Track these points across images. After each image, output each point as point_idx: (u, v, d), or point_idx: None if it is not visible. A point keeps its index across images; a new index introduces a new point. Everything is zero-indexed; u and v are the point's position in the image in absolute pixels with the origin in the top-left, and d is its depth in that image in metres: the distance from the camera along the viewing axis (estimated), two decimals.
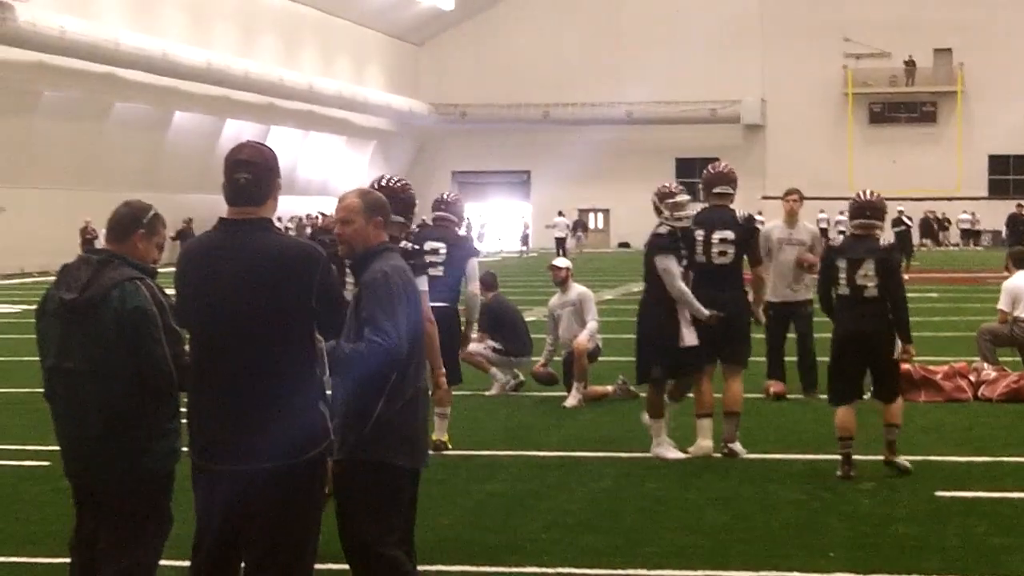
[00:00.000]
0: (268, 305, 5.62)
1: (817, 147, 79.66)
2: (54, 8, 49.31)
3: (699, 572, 8.34)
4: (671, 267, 11.66)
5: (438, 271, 12.22)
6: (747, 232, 12.37)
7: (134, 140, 54.67)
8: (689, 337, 11.69)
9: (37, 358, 6.50)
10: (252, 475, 5.66)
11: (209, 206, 55.19)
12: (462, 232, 14.19)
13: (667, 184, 12.40)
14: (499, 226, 78.63)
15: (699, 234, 12.20)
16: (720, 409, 12.18)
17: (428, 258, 12.44)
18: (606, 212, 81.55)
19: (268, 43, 68.14)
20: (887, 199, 11.79)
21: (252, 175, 5.71)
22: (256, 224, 5.71)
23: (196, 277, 5.75)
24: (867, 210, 11.31)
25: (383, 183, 9.52)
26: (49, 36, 48.23)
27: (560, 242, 63.26)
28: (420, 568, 6.65)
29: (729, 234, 12.19)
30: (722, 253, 12.18)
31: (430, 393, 7.52)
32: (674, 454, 11.91)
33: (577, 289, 16.04)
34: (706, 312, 11.69)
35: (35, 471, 11.73)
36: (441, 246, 12.54)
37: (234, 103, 63.03)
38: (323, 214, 27.62)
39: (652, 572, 8.35)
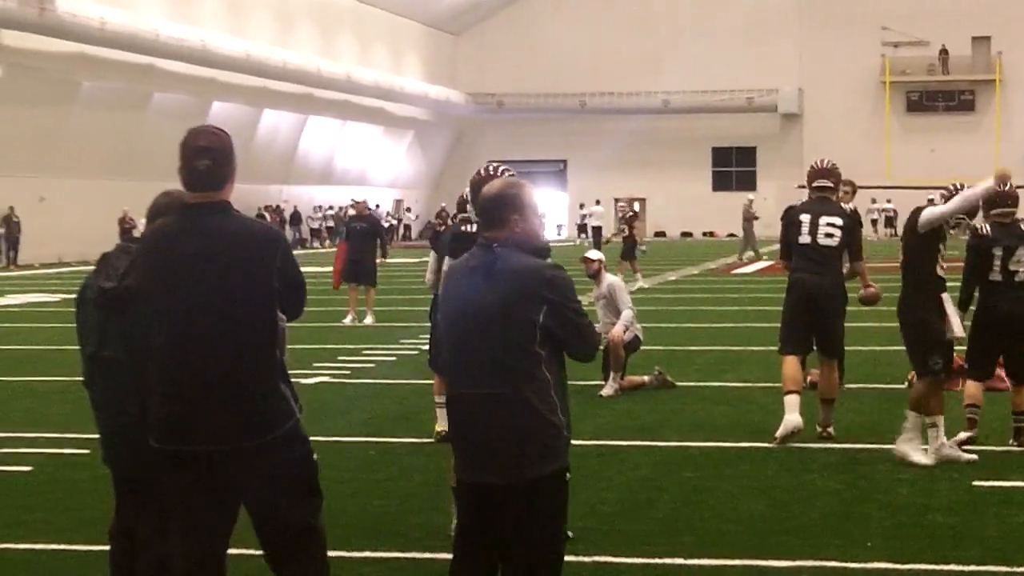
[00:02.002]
0: (230, 286, 5.64)
1: (854, 136, 79.29)
2: None
3: (736, 561, 8.34)
4: (933, 209, 11.61)
5: None
6: (855, 224, 12.62)
7: (172, 130, 54.49)
8: (956, 327, 11.40)
9: (76, 347, 6.55)
10: (218, 455, 5.67)
11: (244, 195, 55.47)
12: None
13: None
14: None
15: (805, 217, 12.40)
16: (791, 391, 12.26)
17: None
18: (642, 201, 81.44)
19: (305, 33, 68.27)
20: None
21: (212, 161, 5.73)
22: (215, 207, 5.73)
23: (157, 261, 5.77)
24: (1008, 199, 11.85)
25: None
26: (89, 27, 48.47)
27: (596, 231, 63.13)
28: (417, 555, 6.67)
29: (837, 220, 12.37)
30: (829, 235, 12.32)
31: None
32: (919, 457, 11.19)
33: (608, 280, 15.98)
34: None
35: (75, 459, 11.81)
36: None
37: (272, 93, 63.22)
38: (355, 201, 27.51)
39: (689, 561, 8.35)
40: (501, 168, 8.57)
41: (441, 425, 12.10)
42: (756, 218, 45.25)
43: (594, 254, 16.35)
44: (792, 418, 11.96)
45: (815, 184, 12.64)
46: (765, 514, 9.59)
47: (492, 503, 5.76)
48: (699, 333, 21.60)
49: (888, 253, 50.40)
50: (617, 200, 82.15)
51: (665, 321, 22.96)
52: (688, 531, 9.08)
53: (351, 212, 28.37)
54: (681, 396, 15.22)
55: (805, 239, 12.36)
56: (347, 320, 24.34)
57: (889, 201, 74.97)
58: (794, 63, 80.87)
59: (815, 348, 12.55)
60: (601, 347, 15.76)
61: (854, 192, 15.98)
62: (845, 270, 12.84)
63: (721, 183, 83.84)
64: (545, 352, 5.72)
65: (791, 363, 12.31)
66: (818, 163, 12.89)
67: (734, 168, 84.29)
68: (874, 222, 71.51)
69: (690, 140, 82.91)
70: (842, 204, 12.83)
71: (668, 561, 8.35)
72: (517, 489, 5.71)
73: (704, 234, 79.48)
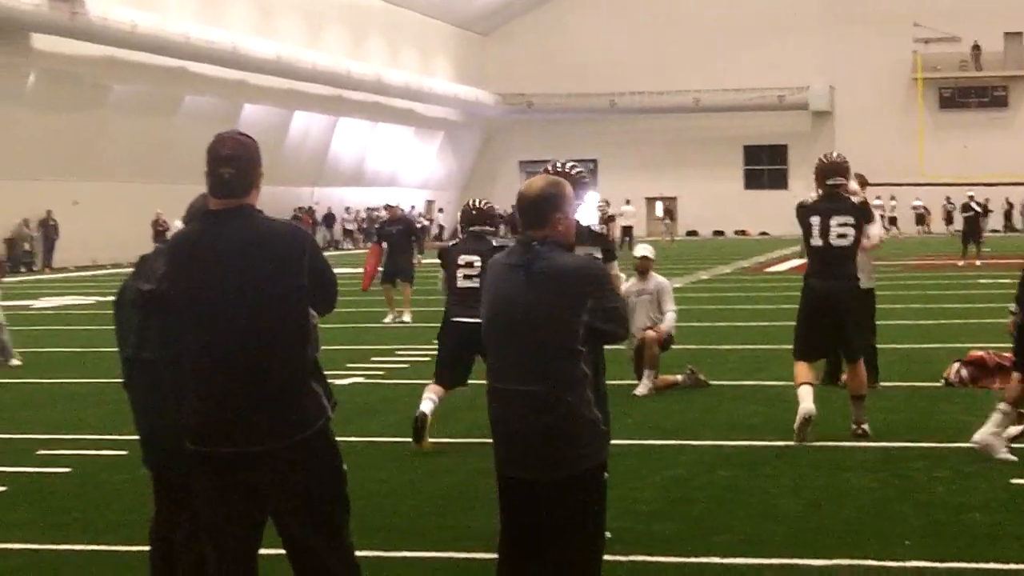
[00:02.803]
0: (255, 286, 5.64)
1: (886, 133, 79.13)
2: (124, 2, 49.80)
3: (772, 560, 8.32)
4: None
5: (474, 283, 12.18)
6: (866, 212, 12.46)
7: (204, 133, 54.36)
8: None
9: (110, 349, 6.58)
10: (249, 456, 5.67)
11: (276, 197, 55.69)
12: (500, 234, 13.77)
13: None
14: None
15: (815, 219, 12.26)
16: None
17: (462, 271, 12.44)
18: (673, 200, 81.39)
19: (335, 35, 68.43)
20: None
21: (236, 170, 5.73)
22: (240, 211, 5.74)
23: (181, 266, 5.79)
24: None
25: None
26: (120, 30, 48.71)
27: (626, 230, 63.07)
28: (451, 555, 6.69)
29: (848, 218, 12.23)
30: (841, 236, 12.20)
31: None
32: (1005, 455, 11.07)
33: (656, 279, 15.97)
34: None
35: (113, 460, 11.87)
36: (475, 259, 12.37)
37: (302, 95, 63.41)
38: (388, 205, 27.67)
39: (724, 560, 8.34)
40: (568, 164, 8.45)
41: (424, 409, 12.15)
42: None
43: (650, 251, 16.30)
44: (804, 407, 11.95)
45: (828, 182, 12.41)
46: (801, 513, 9.57)
47: (531, 499, 5.80)
48: (732, 332, 21.57)
49: (924, 251, 50.32)
50: (649, 199, 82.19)
51: (697, 320, 22.92)
52: (723, 531, 9.07)
53: (384, 216, 28.59)
54: (715, 395, 15.20)
55: (817, 241, 12.26)
56: (388, 319, 24.57)
57: (919, 199, 74.80)
58: (825, 60, 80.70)
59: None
60: (633, 346, 15.76)
61: (864, 186, 15.87)
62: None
63: (753, 181, 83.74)
64: (586, 348, 5.78)
65: (801, 364, 12.31)
66: (826, 158, 12.66)
67: (765, 166, 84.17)
68: (892, 220, 70.97)
69: (721, 139, 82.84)
70: (850, 198, 12.51)
71: (704, 560, 8.35)
72: (556, 485, 5.74)
73: (736, 232, 79.36)
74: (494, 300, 5.88)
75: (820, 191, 12.52)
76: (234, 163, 5.74)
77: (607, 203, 40.06)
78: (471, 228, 12.73)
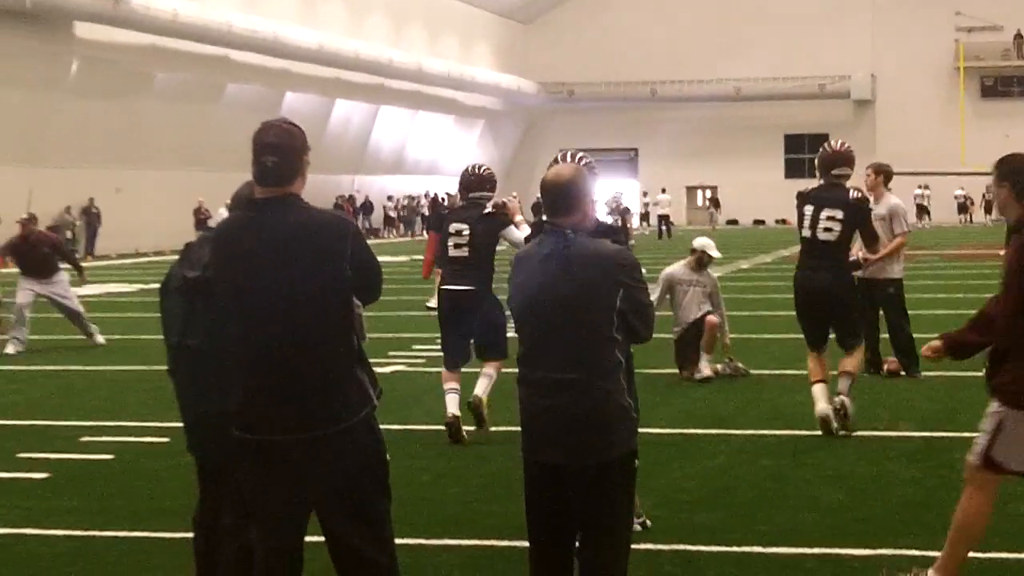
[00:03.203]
0: (299, 276, 5.66)
1: (928, 122, 78.71)
2: None
3: (814, 550, 8.31)
4: None
5: (463, 252, 12.21)
6: (859, 212, 12.11)
7: (246, 121, 54.81)
8: None
9: (152, 336, 6.61)
10: (294, 444, 5.68)
11: (317, 186, 55.72)
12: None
13: None
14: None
15: (808, 209, 12.08)
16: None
17: (452, 240, 12.32)
18: (714, 189, 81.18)
19: (377, 23, 68.48)
20: None
21: (279, 158, 5.74)
22: (284, 200, 5.74)
23: (226, 255, 5.81)
24: None
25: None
26: (162, 19, 48.89)
27: (663, 219, 62.96)
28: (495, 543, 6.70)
29: (838, 213, 11.94)
30: (827, 230, 11.95)
31: None
32: None
33: (711, 274, 16.06)
34: None
35: (155, 447, 11.93)
36: (464, 227, 12.28)
37: (344, 84, 63.52)
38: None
39: (767, 550, 8.34)
40: (578, 155, 8.56)
41: (452, 410, 12.09)
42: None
43: (715, 250, 16.25)
44: (819, 408, 11.90)
45: (833, 172, 12.16)
46: (843, 503, 9.55)
47: (560, 484, 5.83)
48: (773, 321, 21.53)
49: (966, 240, 50.07)
50: (689, 188, 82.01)
51: (738, 309, 22.88)
52: (765, 520, 9.06)
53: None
54: (756, 384, 15.18)
55: (806, 232, 12.08)
56: (431, 303, 24.59)
57: (962, 188, 74.37)
58: (866, 49, 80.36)
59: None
60: (681, 334, 15.74)
61: (889, 178, 15.60)
62: (862, 255, 12.74)
63: (794, 170, 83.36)
64: (620, 336, 5.79)
65: (812, 356, 12.20)
66: (830, 147, 12.39)
67: (807, 155, 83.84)
68: (921, 208, 70.28)
69: (762, 127, 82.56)
70: (850, 191, 12.11)
71: (746, 550, 8.34)
72: (587, 471, 5.77)
73: (777, 222, 79.10)
74: (528, 288, 5.88)
75: (822, 180, 12.31)
76: (279, 151, 5.75)
77: (621, 195, 39.80)
78: (470, 195, 12.59)
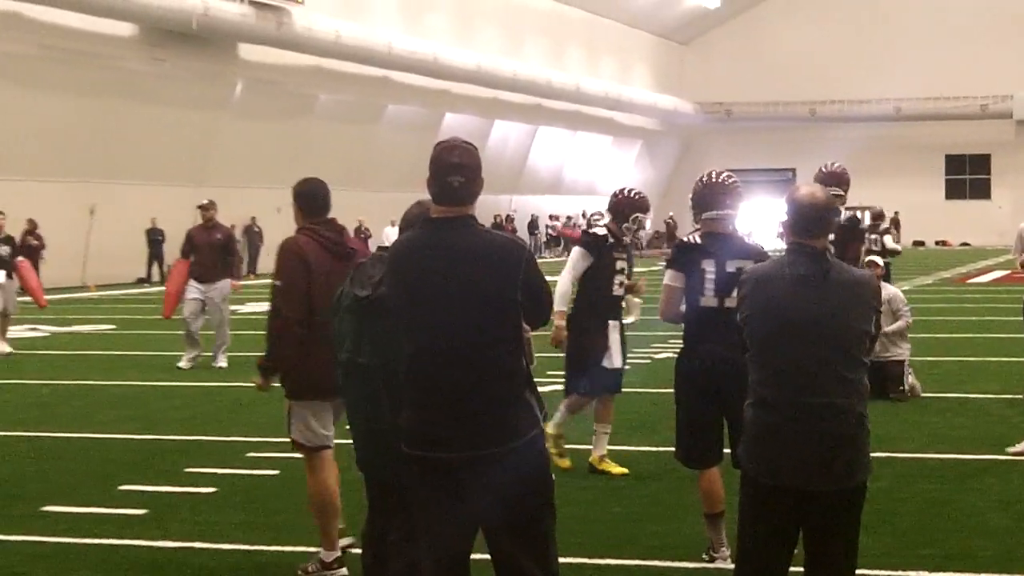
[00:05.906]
0: (473, 299, 5.70)
1: None
2: (329, 12, 50.59)
3: (983, 575, 8.21)
4: None
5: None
6: (848, 233, 11.82)
7: (406, 142, 55.59)
8: None
9: None
10: (461, 462, 5.71)
11: (483, 204, 55.98)
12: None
13: None
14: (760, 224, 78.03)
15: None
16: None
17: (618, 278, 11.79)
18: (896, 212, 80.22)
19: (535, 44, 68.78)
20: None
21: (465, 178, 5.78)
22: (462, 222, 5.79)
23: (403, 275, 5.85)
24: None
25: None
26: (325, 40, 49.52)
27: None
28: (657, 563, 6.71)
29: None
30: None
31: None
32: None
33: (892, 289, 15.97)
34: None
35: None
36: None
37: (502, 104, 63.84)
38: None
39: (933, 574, 8.25)
40: (724, 175, 8.59)
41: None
42: None
43: (881, 261, 16.32)
44: None
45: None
46: (1012, 528, 9.41)
47: (798, 508, 5.84)
48: (935, 344, 21.21)
49: None
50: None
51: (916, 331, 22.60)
52: (930, 544, 8.96)
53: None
54: (919, 407, 15.00)
55: None
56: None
57: None
58: None
59: None
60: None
61: (881, 219, 15.31)
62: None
63: (954, 191, 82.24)
64: (868, 360, 5.88)
65: None
66: (826, 167, 11.79)
67: (967, 176, 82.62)
68: None
69: (922, 147, 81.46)
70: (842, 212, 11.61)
71: (912, 574, 8.26)
72: (833, 495, 5.82)
73: (937, 243, 78.02)
74: (779, 310, 5.87)
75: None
76: (464, 171, 5.80)
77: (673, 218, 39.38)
78: (596, 216, 12.21)
